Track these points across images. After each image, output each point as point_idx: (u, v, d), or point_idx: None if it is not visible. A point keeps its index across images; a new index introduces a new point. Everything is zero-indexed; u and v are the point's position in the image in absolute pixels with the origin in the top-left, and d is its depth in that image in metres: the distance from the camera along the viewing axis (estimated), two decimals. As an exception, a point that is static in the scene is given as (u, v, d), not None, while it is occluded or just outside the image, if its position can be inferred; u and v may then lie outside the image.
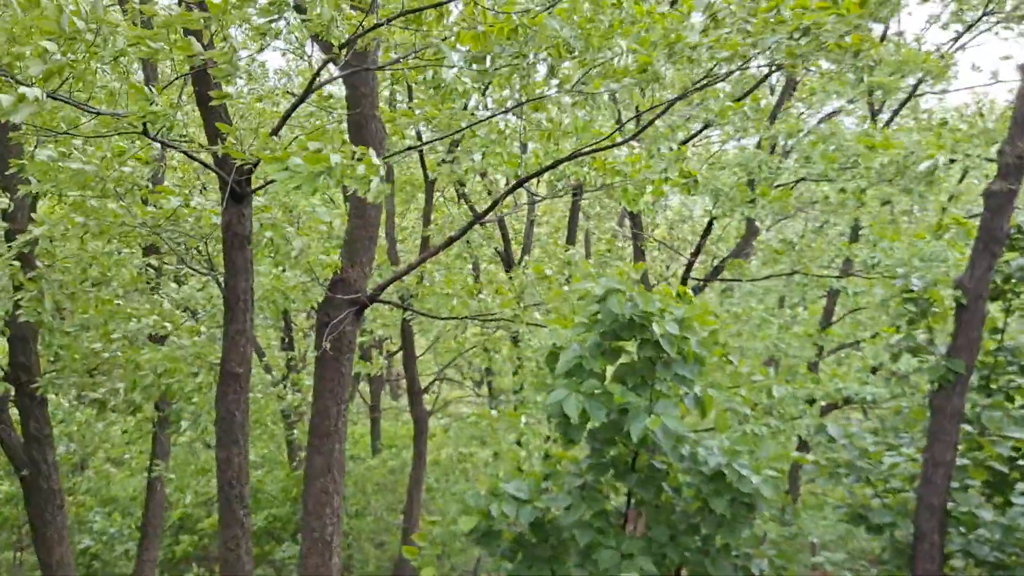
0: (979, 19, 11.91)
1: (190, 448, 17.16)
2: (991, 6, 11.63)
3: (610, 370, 5.35)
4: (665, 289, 5.68)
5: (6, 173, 6.89)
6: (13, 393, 8.59)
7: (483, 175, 13.29)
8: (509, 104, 6.99)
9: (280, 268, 8.38)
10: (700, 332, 5.21)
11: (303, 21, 5.64)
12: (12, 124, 5.70)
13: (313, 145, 4.12)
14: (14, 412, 9.12)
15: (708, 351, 5.19)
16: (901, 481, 5.78)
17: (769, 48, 4.26)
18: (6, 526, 14.47)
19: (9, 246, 7.14)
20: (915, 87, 13.03)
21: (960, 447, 5.67)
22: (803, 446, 13.08)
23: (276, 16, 4.27)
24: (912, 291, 4.99)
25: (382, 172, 4.30)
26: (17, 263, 7.38)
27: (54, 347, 8.35)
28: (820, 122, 12.35)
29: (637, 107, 5.68)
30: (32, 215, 7.88)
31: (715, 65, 4.85)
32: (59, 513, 8.81)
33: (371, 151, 4.32)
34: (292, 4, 5.22)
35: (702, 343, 5.16)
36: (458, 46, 5.88)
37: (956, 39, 12.45)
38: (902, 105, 13.77)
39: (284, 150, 4.71)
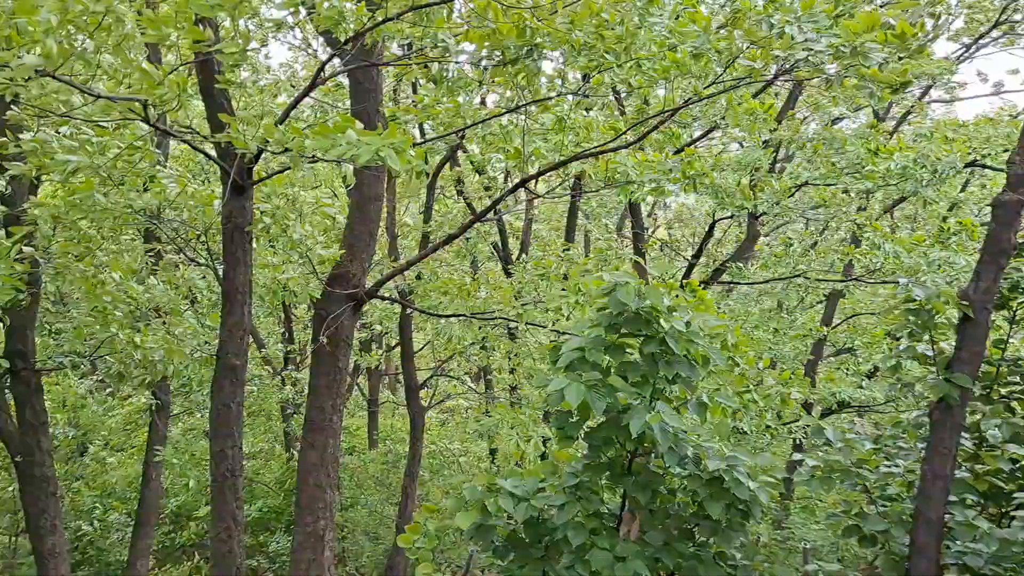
0: (988, 31, 11.87)
1: (187, 436, 17.13)
2: (1003, 17, 11.58)
3: (613, 369, 5.30)
4: (670, 284, 5.59)
5: (4, 154, 6.83)
6: (8, 381, 8.56)
7: (480, 172, 13.26)
8: (514, 103, 6.96)
9: (281, 260, 8.35)
10: (707, 333, 5.15)
11: (311, 15, 5.61)
12: (8, 103, 5.66)
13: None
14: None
15: (715, 354, 5.12)
16: (899, 487, 5.75)
17: (798, 62, 4.16)
18: (3, 511, 14.45)
19: (8, 232, 7.08)
20: (923, 94, 13.00)
21: (959, 458, 5.65)
22: (799, 448, 13.07)
23: (294, 8, 4.22)
24: (915, 301, 4.95)
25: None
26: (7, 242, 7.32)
27: (58, 330, 8.29)
28: (829, 124, 12.31)
29: (639, 109, 5.64)
30: (30, 197, 7.82)
31: (727, 68, 4.80)
32: (52, 500, 8.79)
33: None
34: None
35: (711, 345, 5.09)
36: (465, 45, 5.86)
37: (966, 49, 12.42)
38: (908, 112, 13.73)
39: (297, 137, 4.69)
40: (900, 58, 3.92)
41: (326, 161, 6.04)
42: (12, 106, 5.95)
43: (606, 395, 4.83)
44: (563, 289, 8.48)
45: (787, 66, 4.46)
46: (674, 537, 5.16)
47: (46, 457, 8.71)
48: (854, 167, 9.34)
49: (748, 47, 4.33)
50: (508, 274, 13.29)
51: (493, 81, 6.91)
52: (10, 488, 13.41)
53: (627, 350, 5.20)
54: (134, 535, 12.14)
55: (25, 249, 7.27)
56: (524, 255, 15.73)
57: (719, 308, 14.28)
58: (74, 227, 7.47)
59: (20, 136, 5.60)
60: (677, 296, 5.38)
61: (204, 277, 10.00)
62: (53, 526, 8.76)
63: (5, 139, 5.67)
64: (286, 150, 5.19)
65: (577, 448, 5.48)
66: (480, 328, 12.82)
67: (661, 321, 4.90)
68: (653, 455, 5.28)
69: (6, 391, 9.00)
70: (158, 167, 6.50)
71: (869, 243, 10.30)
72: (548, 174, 9.39)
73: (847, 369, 15.50)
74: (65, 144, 5.69)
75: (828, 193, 10.36)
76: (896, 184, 9.79)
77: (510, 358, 14.82)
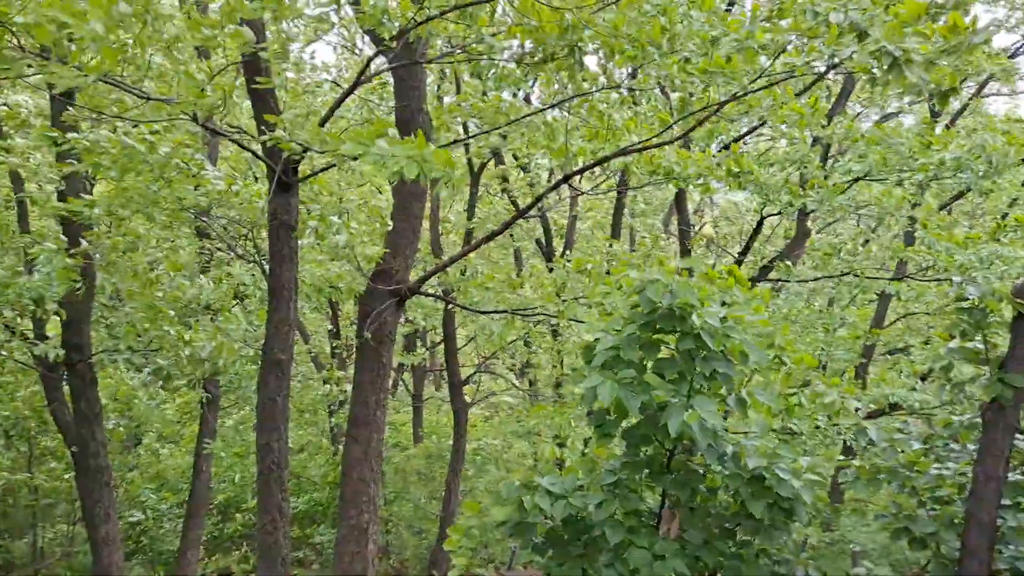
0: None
1: (238, 429, 17.50)
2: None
3: (650, 367, 5.22)
4: (712, 274, 5.45)
5: (60, 153, 7.04)
6: (65, 373, 8.84)
7: (525, 169, 13.29)
8: (557, 99, 6.95)
9: (329, 258, 8.47)
10: (749, 328, 5.02)
11: (356, 13, 5.68)
12: (64, 104, 5.84)
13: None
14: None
15: (753, 349, 4.97)
16: (950, 490, 5.59)
17: (843, 60, 4.03)
18: (60, 500, 14.93)
19: (65, 229, 7.29)
20: (980, 88, 12.63)
21: (1012, 461, 5.47)
22: (848, 450, 12.80)
23: (333, 7, 4.28)
24: (967, 299, 4.81)
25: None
26: (64, 238, 7.56)
27: (112, 325, 8.53)
28: (879, 122, 12.03)
29: (683, 102, 5.53)
30: (83, 196, 8.05)
31: (772, 63, 4.71)
32: (106, 490, 9.04)
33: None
34: None
35: (748, 340, 4.97)
36: (510, 42, 5.88)
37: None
38: (964, 107, 13.35)
39: (338, 139, 4.76)
40: (949, 53, 3.77)
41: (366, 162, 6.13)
42: (67, 107, 6.15)
43: (642, 393, 4.78)
44: (605, 285, 8.41)
45: (835, 60, 4.35)
46: (715, 536, 5.11)
47: (100, 448, 8.97)
48: (906, 161, 9.09)
49: (795, 39, 4.24)
50: (551, 271, 13.26)
51: (536, 77, 6.90)
52: (67, 477, 13.85)
53: (664, 347, 5.13)
54: (185, 525, 12.44)
55: (82, 242, 7.51)
56: (568, 252, 15.69)
57: (768, 308, 14.00)
58: (125, 222, 7.69)
59: (74, 135, 5.78)
60: (710, 287, 5.22)
61: (252, 274, 10.21)
62: (107, 515, 9.02)
63: (59, 133, 5.85)
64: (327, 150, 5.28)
65: (616, 445, 5.44)
66: (523, 323, 12.81)
67: (694, 317, 4.82)
68: (694, 452, 5.23)
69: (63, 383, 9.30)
70: (203, 171, 6.64)
71: (922, 242, 10.02)
72: (593, 170, 9.36)
73: (900, 371, 15.12)
74: (122, 139, 5.86)
75: (880, 191, 10.10)
76: (951, 177, 9.51)
77: (552, 355, 14.80)
